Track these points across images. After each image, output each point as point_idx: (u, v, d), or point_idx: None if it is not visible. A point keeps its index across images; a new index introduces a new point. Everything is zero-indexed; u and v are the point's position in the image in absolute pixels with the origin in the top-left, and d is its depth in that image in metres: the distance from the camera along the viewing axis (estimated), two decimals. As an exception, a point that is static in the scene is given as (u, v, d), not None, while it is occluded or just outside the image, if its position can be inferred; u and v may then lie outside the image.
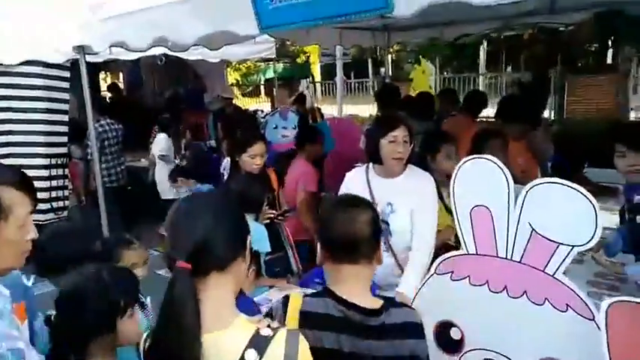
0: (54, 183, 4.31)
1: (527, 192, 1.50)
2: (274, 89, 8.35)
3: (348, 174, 2.89)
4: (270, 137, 5.63)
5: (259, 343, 1.15)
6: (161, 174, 6.03)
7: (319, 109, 6.92)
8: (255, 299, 2.49)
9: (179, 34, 3.30)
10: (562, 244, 1.45)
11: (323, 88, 17.12)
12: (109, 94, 10.05)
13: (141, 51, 3.80)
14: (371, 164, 2.76)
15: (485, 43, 14.10)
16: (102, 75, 12.19)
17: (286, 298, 1.52)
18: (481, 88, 13.16)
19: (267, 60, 10.30)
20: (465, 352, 1.68)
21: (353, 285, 1.48)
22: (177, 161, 6.29)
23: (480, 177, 1.61)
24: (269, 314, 1.52)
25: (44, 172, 4.21)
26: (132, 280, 1.80)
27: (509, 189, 1.54)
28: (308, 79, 12.60)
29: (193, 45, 3.59)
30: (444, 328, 1.72)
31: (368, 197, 2.66)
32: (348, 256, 1.48)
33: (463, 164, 1.66)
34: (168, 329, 1.15)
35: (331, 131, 6.12)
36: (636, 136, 2.60)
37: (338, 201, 1.75)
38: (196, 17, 3.14)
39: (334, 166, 6.07)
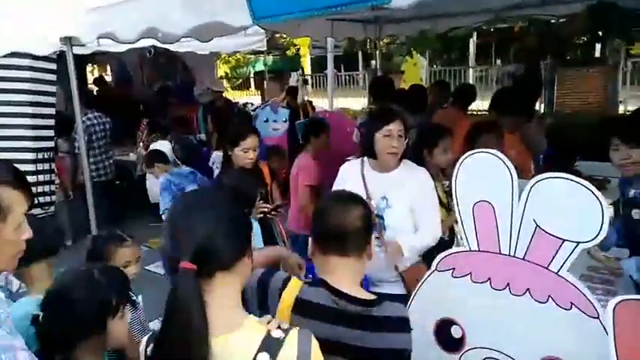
0: (41, 177, 4.21)
1: (531, 187, 1.47)
2: (265, 82, 8.26)
3: (342, 167, 2.86)
4: (261, 130, 5.55)
5: (271, 345, 1.12)
6: (153, 181, 5.93)
7: (310, 103, 6.85)
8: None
9: (170, 25, 3.22)
10: (567, 240, 1.42)
11: (313, 81, 17.01)
12: (95, 88, 9.89)
13: (130, 43, 3.72)
14: (365, 158, 2.72)
15: (475, 36, 14.09)
16: (89, 68, 12.00)
17: (288, 279, 1.53)
18: (471, 81, 13.18)
19: (257, 52, 10.19)
20: (466, 351, 1.65)
21: (342, 277, 1.48)
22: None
23: (483, 172, 1.58)
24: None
25: (31, 167, 4.11)
26: (123, 279, 1.75)
27: (513, 184, 1.51)
28: (298, 72, 12.50)
29: (184, 37, 3.52)
30: (444, 326, 1.69)
31: (362, 191, 2.64)
32: (337, 248, 1.49)
33: (465, 159, 1.62)
34: (174, 334, 1.10)
35: (322, 125, 6.08)
36: (628, 129, 2.61)
37: (332, 195, 1.77)
38: (187, 8, 3.07)
39: (326, 160, 6.04)
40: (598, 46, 11.20)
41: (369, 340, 1.41)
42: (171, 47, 6.19)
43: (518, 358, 1.54)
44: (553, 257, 1.44)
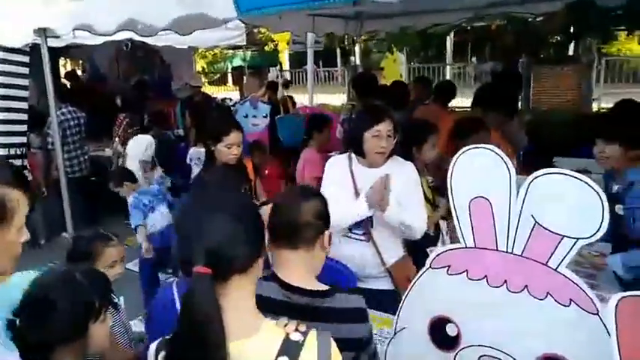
0: (13, 174, 4.06)
1: (530, 183, 1.45)
2: (244, 77, 8.16)
3: (328, 163, 2.83)
4: (241, 126, 5.49)
5: (291, 349, 1.10)
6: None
7: (291, 98, 6.78)
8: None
9: (151, 17, 3.13)
10: (566, 236, 1.40)
11: (291, 77, 16.92)
12: (67, 83, 9.61)
13: (108, 35, 3.59)
14: (353, 154, 2.70)
15: (452, 34, 14.21)
16: (61, 61, 11.65)
17: None
18: (448, 78, 13.32)
19: (236, 47, 10.06)
20: (462, 349, 1.62)
21: (293, 270, 1.51)
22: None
23: (480, 167, 1.55)
24: None
25: (2, 163, 3.96)
26: (105, 281, 1.68)
27: (511, 180, 1.49)
28: (277, 68, 12.41)
29: (165, 29, 3.42)
30: (439, 324, 1.66)
31: (351, 187, 2.62)
32: (286, 241, 1.51)
33: (461, 154, 1.59)
34: (191, 340, 1.06)
35: (304, 122, 6.03)
36: (602, 126, 2.82)
37: (285, 190, 1.79)
38: (169, -2, 2.99)
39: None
40: (572, 45, 11.44)
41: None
42: (149, 41, 6.04)
43: (515, 355, 1.52)
44: (552, 253, 1.42)
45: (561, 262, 1.42)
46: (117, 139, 6.08)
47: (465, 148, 1.59)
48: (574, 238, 1.39)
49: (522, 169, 3.14)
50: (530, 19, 6.70)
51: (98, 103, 7.17)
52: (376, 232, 2.62)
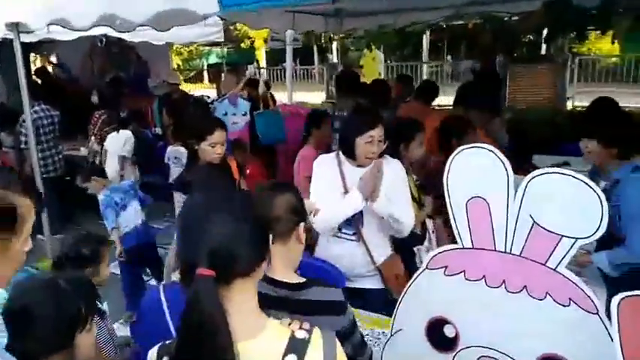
0: (-16, 175, 3.91)
1: (527, 182, 1.44)
2: (223, 74, 8.04)
3: (316, 162, 2.81)
4: (220, 124, 5.38)
5: (298, 347, 1.11)
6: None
7: (272, 95, 6.70)
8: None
9: (130, 12, 3.04)
10: (565, 236, 1.40)
11: (268, 75, 16.79)
12: (38, 80, 9.31)
13: (84, 30, 3.47)
14: (340, 152, 2.68)
15: (428, 33, 14.31)
16: (31, 57, 11.30)
17: None
18: (425, 77, 13.43)
19: (213, 44, 9.91)
20: (460, 350, 1.61)
21: (271, 263, 1.51)
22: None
23: (477, 167, 1.53)
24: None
25: (-27, 163, 3.81)
26: (90, 288, 1.61)
27: (508, 179, 1.48)
28: (254, 65, 12.30)
29: (144, 24, 3.33)
30: (437, 326, 1.64)
31: (341, 185, 2.59)
32: None
33: (458, 154, 1.57)
34: (198, 343, 1.04)
35: (283, 119, 5.95)
36: (586, 123, 2.99)
37: (260, 186, 1.76)
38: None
39: (287, 156, 5.92)
40: (545, 44, 11.65)
41: None
42: (125, 36, 5.89)
43: (515, 355, 1.51)
44: (551, 253, 1.42)
45: (560, 261, 1.42)
46: (93, 137, 5.92)
47: (461, 148, 1.58)
48: (573, 237, 1.39)
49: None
50: (506, 18, 6.79)
51: (72, 101, 6.96)
52: (366, 230, 2.60)
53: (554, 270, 1.42)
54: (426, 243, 3.08)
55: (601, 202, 1.34)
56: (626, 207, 2.37)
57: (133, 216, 3.86)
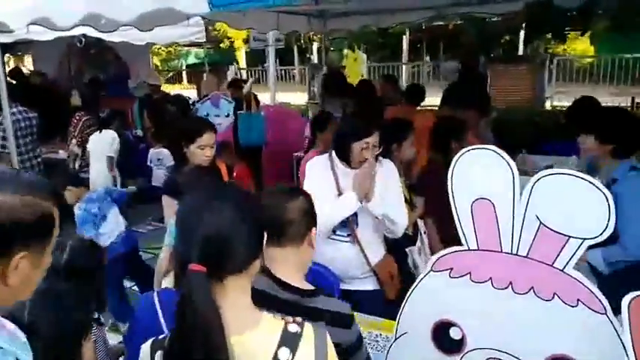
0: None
1: (534, 183, 1.44)
2: (205, 75, 7.94)
3: (308, 164, 2.80)
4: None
5: (290, 340, 1.13)
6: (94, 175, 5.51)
7: (255, 96, 6.63)
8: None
9: (115, 12, 2.95)
10: (572, 237, 1.40)
11: (248, 76, 16.65)
12: (12, 81, 9.04)
13: (66, 30, 3.37)
14: (333, 153, 2.66)
15: (407, 33, 14.41)
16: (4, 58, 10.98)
17: None
18: (404, 77, 13.52)
19: (194, 44, 9.79)
20: (467, 352, 1.60)
21: (279, 267, 1.52)
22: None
23: (482, 168, 1.52)
24: None
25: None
26: (91, 297, 1.56)
27: (514, 181, 1.47)
28: (235, 66, 12.19)
29: (127, 24, 3.25)
30: (442, 328, 1.63)
31: (334, 187, 2.57)
32: (274, 239, 1.50)
33: (462, 155, 1.56)
34: (192, 338, 1.03)
35: (266, 121, 5.90)
36: (584, 119, 2.91)
37: (271, 190, 1.76)
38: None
39: (271, 158, 5.87)
40: (521, 45, 11.86)
41: None
42: (105, 37, 5.76)
43: (523, 357, 1.51)
44: (558, 254, 1.42)
45: (568, 262, 1.42)
46: (73, 139, 5.77)
47: (465, 149, 1.57)
48: (580, 238, 1.39)
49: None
50: (487, 19, 6.87)
51: (50, 102, 6.76)
52: (360, 231, 2.59)
53: (562, 271, 1.42)
54: (417, 244, 3.08)
55: (608, 202, 1.34)
56: (622, 205, 2.39)
57: (114, 224, 3.70)
